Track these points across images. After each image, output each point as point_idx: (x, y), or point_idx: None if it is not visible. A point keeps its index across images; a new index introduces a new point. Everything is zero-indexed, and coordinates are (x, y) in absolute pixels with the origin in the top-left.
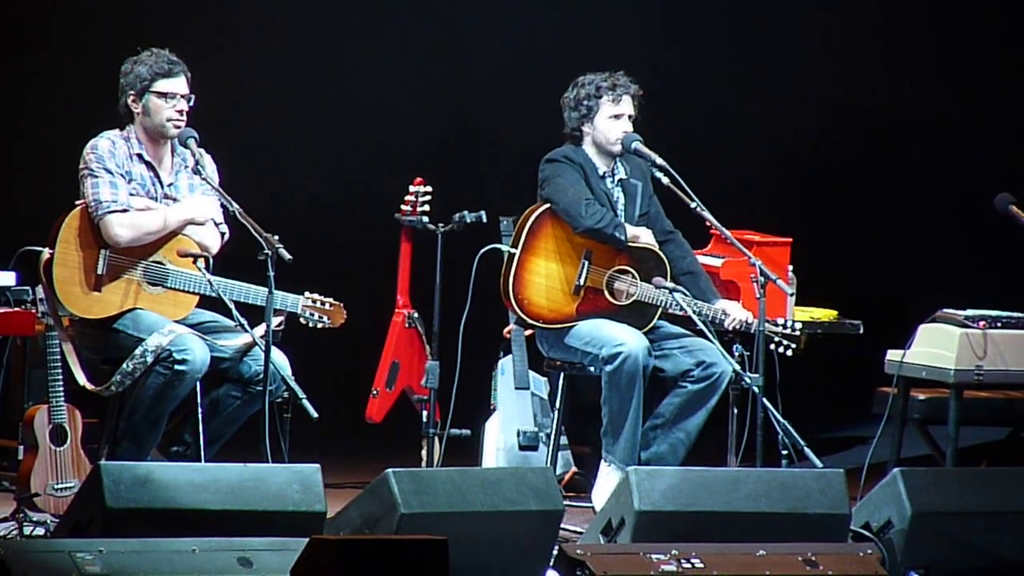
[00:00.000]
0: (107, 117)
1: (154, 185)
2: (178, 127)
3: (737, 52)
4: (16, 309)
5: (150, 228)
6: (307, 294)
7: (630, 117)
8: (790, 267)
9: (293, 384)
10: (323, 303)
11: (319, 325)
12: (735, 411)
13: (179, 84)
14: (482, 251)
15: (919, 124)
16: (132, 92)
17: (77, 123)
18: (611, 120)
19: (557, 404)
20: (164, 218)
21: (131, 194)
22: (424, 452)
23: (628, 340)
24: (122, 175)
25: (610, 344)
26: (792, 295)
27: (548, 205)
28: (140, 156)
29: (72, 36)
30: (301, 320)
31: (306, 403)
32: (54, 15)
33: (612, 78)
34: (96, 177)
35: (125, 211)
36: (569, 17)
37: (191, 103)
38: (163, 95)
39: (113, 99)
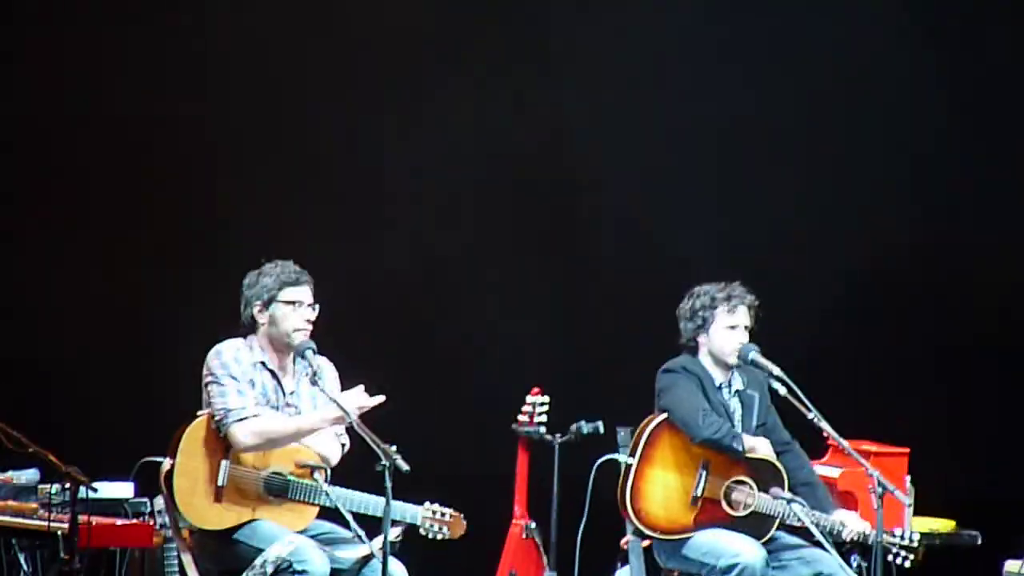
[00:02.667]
0: (229, 326)
1: (277, 393)
2: (304, 335)
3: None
4: (134, 521)
5: (278, 434)
6: (427, 504)
7: (746, 328)
8: (907, 477)
9: None
10: (443, 514)
11: (439, 536)
12: None
13: (305, 293)
14: (600, 461)
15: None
16: (259, 302)
17: (198, 331)
18: (727, 331)
19: None
20: (295, 424)
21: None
22: None
23: (746, 551)
24: (247, 383)
25: (728, 555)
26: (910, 506)
27: (665, 415)
28: (263, 364)
29: (193, 247)
30: (421, 532)
31: None
32: (181, 228)
33: (727, 288)
34: (222, 385)
35: (257, 416)
36: (674, 225)
37: (316, 311)
38: (291, 303)
39: (234, 311)
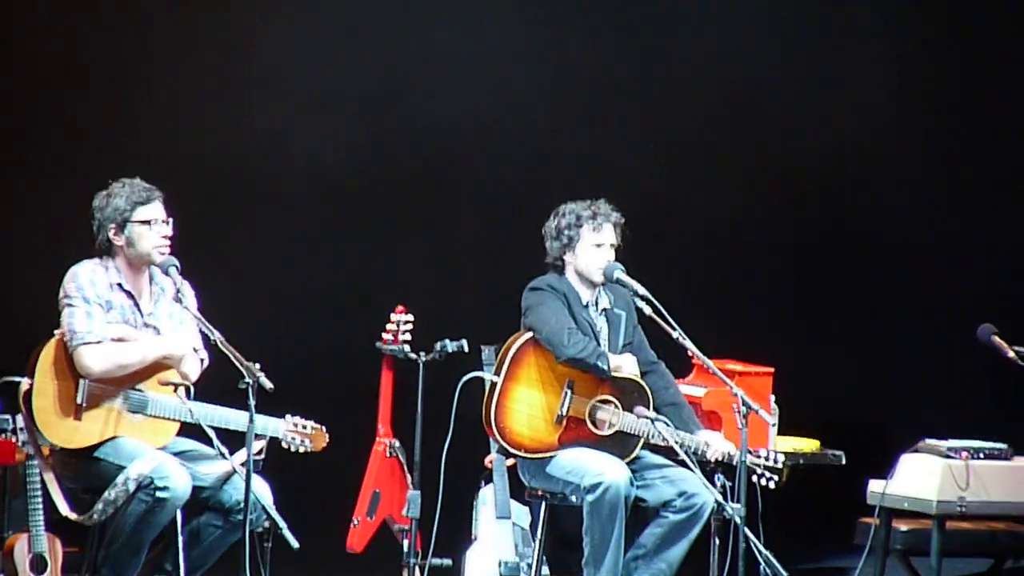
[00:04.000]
0: (87, 244)
1: (134, 314)
2: (163, 253)
3: (722, 171)
4: None
5: (125, 361)
6: (288, 418)
7: (612, 246)
8: (772, 397)
9: (274, 513)
10: (304, 427)
11: (301, 449)
12: (717, 542)
13: (158, 209)
14: (464, 379)
15: (902, 254)
16: (112, 225)
17: (58, 250)
18: (593, 249)
19: (538, 534)
20: (142, 352)
21: (110, 323)
22: None
23: (610, 470)
24: (100, 305)
25: (592, 474)
26: (774, 425)
27: (531, 334)
28: (120, 285)
29: (53, 163)
30: (283, 445)
31: (287, 532)
32: (36, 140)
33: (593, 206)
34: (73, 307)
35: (100, 342)
36: (547, 143)
37: (171, 226)
38: (145, 223)
39: (87, 228)
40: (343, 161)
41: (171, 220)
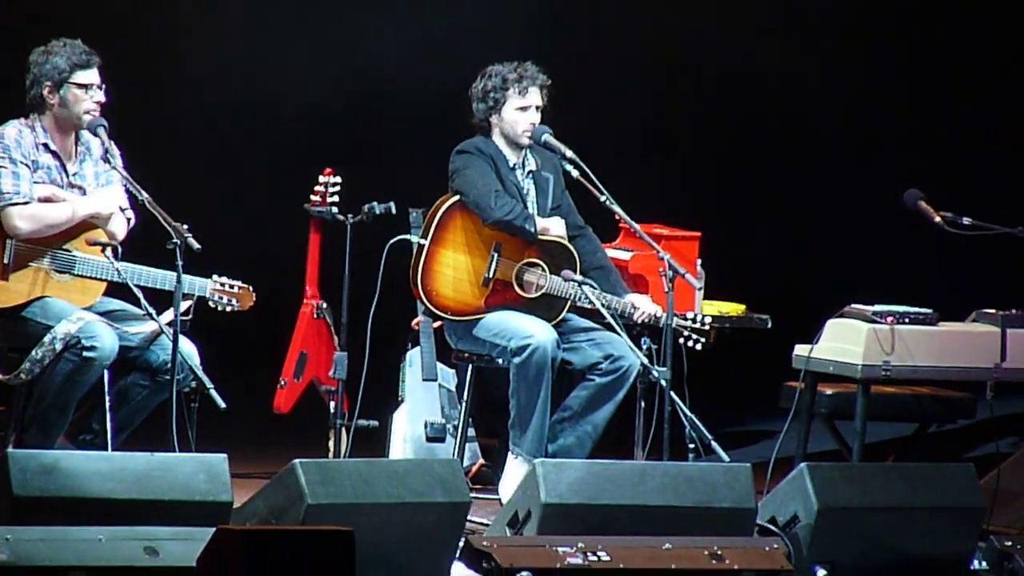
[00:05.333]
0: (16, 105)
1: (60, 174)
2: (93, 117)
3: (640, 36)
4: None
5: (52, 220)
6: (215, 277)
7: (538, 108)
8: (699, 261)
9: (201, 374)
10: (231, 286)
11: (227, 308)
12: (643, 404)
13: (95, 75)
14: (391, 242)
15: (828, 118)
16: (48, 83)
17: None
18: (519, 112)
19: (465, 396)
20: (70, 211)
21: (36, 183)
22: (331, 443)
23: (537, 332)
24: (27, 165)
25: (519, 336)
26: (700, 289)
27: (458, 196)
28: (46, 146)
29: None
30: (210, 304)
31: (214, 393)
32: None
33: (519, 69)
34: (0, 167)
35: (27, 203)
36: (479, 4)
37: (103, 93)
38: (82, 86)
39: (19, 89)
40: (282, 14)
41: (104, 86)
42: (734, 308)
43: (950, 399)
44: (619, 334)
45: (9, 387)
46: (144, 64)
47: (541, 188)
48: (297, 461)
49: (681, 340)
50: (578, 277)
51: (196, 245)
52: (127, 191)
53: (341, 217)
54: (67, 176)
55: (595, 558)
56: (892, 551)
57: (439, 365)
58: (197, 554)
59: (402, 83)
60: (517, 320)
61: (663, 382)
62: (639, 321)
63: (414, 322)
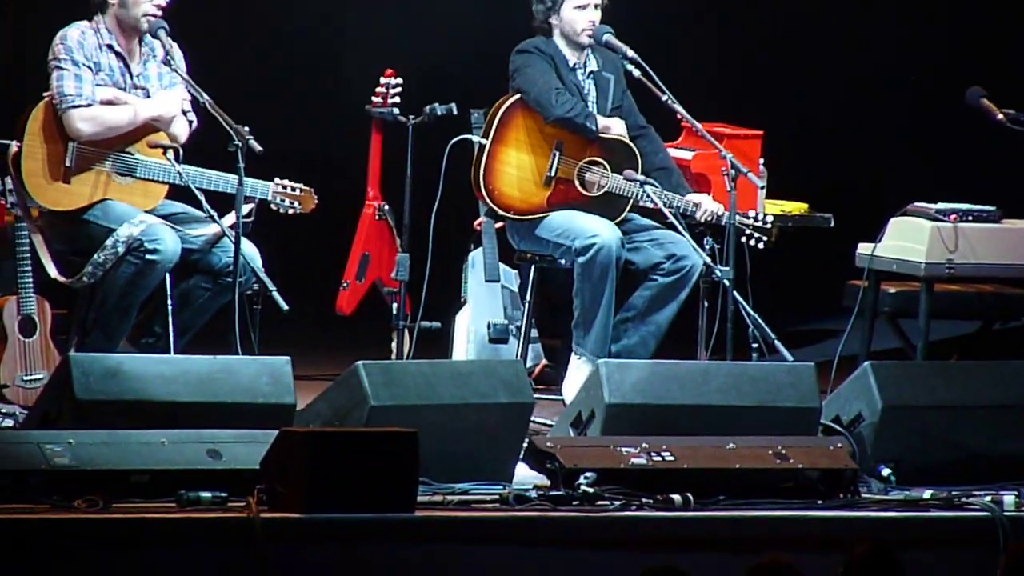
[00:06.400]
0: (80, 7)
1: (123, 76)
2: (151, 20)
3: None
4: None
5: (114, 123)
6: (277, 180)
7: (596, 6)
8: (761, 160)
9: (263, 276)
10: (293, 188)
11: (290, 211)
12: (706, 304)
13: None
14: (452, 142)
15: (893, 16)
16: None
17: (47, 12)
18: (577, 10)
19: (527, 296)
20: (132, 114)
21: (99, 84)
22: (394, 344)
23: (601, 232)
24: (89, 67)
25: (583, 236)
26: (763, 188)
27: (519, 96)
28: (110, 47)
29: None
30: (272, 206)
31: (276, 295)
32: None
33: None
34: (63, 69)
35: (89, 105)
36: None
37: None
38: None
39: None
40: None
41: None
42: (796, 207)
43: (1014, 296)
44: (681, 234)
45: (71, 290)
46: None
47: (602, 88)
48: (360, 363)
49: (743, 239)
50: (640, 177)
51: (258, 147)
52: (190, 95)
53: (403, 119)
54: (131, 77)
55: (659, 458)
56: (957, 449)
57: (501, 266)
58: (261, 456)
59: None
60: (581, 219)
61: (726, 281)
62: (701, 220)
63: (476, 223)
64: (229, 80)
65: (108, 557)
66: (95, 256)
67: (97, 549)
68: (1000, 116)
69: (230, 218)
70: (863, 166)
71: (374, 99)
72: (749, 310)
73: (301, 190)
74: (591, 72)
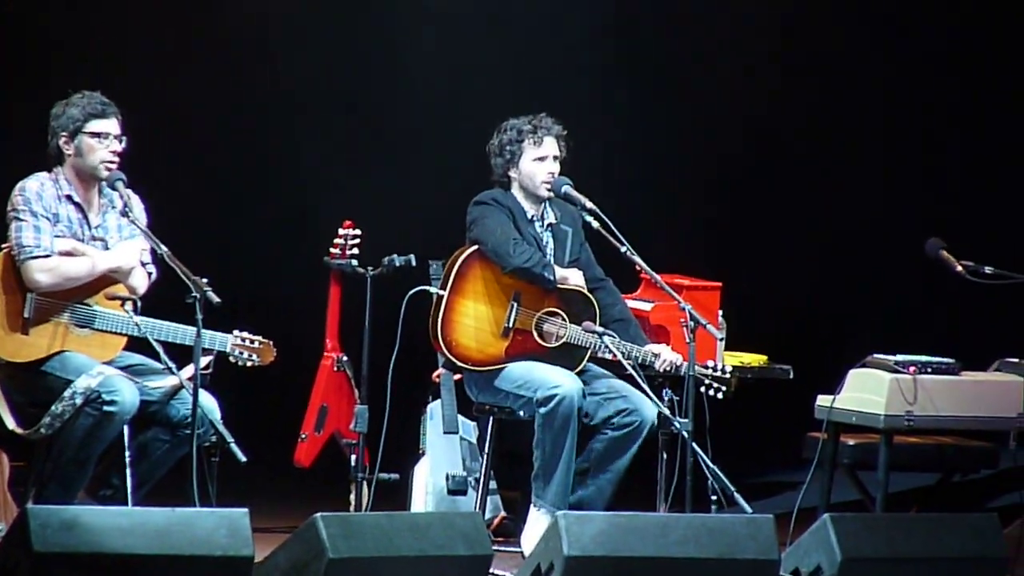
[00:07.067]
0: (38, 159)
1: (82, 227)
2: (110, 168)
3: (659, 86)
4: None
5: (73, 274)
6: (236, 332)
7: (555, 158)
8: (720, 311)
9: (221, 428)
10: (252, 341)
11: (248, 364)
12: (664, 456)
13: (112, 125)
14: (410, 293)
15: (849, 169)
16: (64, 133)
17: (6, 165)
18: (535, 163)
19: (486, 448)
20: (90, 265)
21: (58, 236)
22: (353, 496)
23: (563, 382)
24: (48, 218)
25: (544, 387)
26: (722, 340)
27: (476, 247)
28: (69, 197)
29: (2, 77)
30: (231, 359)
31: (234, 447)
32: None
33: (534, 120)
34: (21, 220)
35: (47, 256)
36: (497, 59)
37: (123, 144)
38: (96, 135)
39: (43, 142)
40: (292, 83)
41: (124, 138)
42: (756, 358)
43: (973, 449)
44: (639, 385)
45: (29, 442)
46: (160, 114)
47: (560, 240)
48: (318, 515)
49: (703, 389)
50: (599, 328)
51: (215, 299)
52: (149, 246)
53: (361, 270)
54: (89, 228)
55: None
56: None
57: (460, 417)
58: None
59: (421, 135)
60: (541, 370)
61: (685, 433)
62: (660, 370)
63: (435, 375)
64: (188, 230)
65: None
66: (53, 407)
67: None
68: (959, 268)
69: (188, 370)
70: (822, 318)
71: (332, 250)
72: (708, 462)
73: (260, 343)
74: (549, 224)
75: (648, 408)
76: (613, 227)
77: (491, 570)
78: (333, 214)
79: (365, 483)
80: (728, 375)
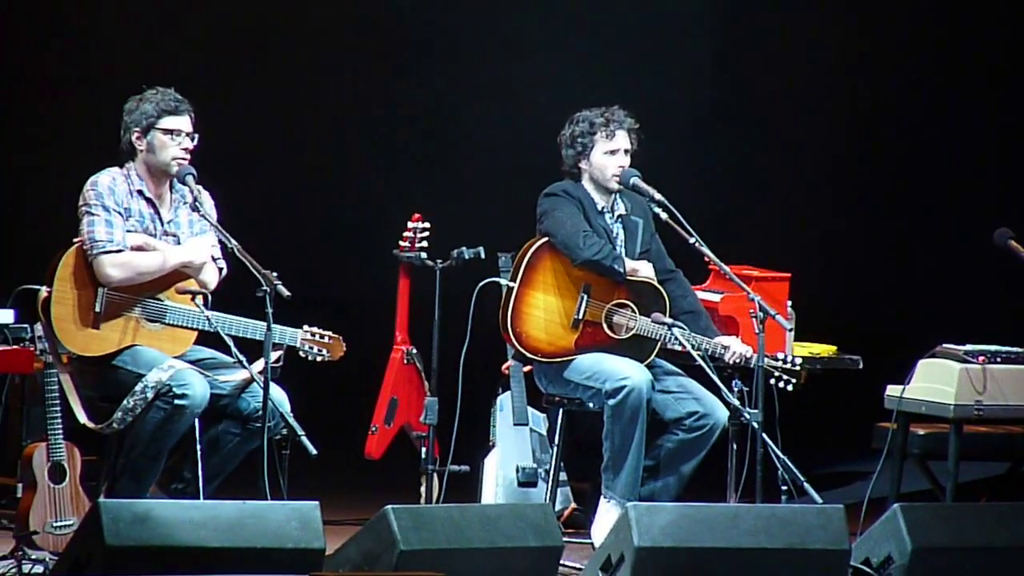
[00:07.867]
0: (109, 154)
1: (153, 222)
2: (181, 164)
3: (731, 82)
4: (14, 347)
5: (144, 269)
6: (306, 327)
7: (626, 151)
8: (789, 302)
9: (292, 421)
10: (322, 336)
11: (318, 359)
12: (735, 447)
13: (184, 122)
14: (480, 285)
15: (918, 159)
16: (137, 129)
17: (79, 159)
18: (607, 156)
19: (556, 440)
20: (161, 260)
21: (130, 230)
22: (423, 488)
23: (632, 374)
24: (120, 213)
25: (614, 378)
26: (791, 330)
27: (546, 239)
28: (140, 192)
29: (74, 73)
30: (300, 354)
31: (305, 440)
32: (57, 52)
33: (606, 113)
34: (93, 215)
35: (120, 251)
36: (568, 52)
37: (195, 142)
38: (169, 132)
39: (115, 137)
40: (362, 74)
41: (196, 135)
42: (825, 349)
43: None
44: (710, 376)
45: (101, 436)
46: (233, 111)
47: (630, 232)
48: (389, 507)
49: (772, 381)
50: (668, 319)
51: (286, 292)
52: (219, 241)
53: (430, 262)
54: (161, 224)
55: None
56: None
57: (529, 409)
58: None
59: (493, 127)
60: (610, 361)
61: (755, 424)
62: (730, 362)
63: (504, 367)
64: (258, 225)
65: None
66: (124, 402)
67: None
68: None
69: (259, 364)
70: (891, 308)
71: (402, 243)
72: (778, 452)
73: (329, 338)
74: (619, 216)
75: (720, 411)
76: (681, 218)
77: (561, 561)
78: (402, 207)
79: (435, 475)
80: (797, 366)
